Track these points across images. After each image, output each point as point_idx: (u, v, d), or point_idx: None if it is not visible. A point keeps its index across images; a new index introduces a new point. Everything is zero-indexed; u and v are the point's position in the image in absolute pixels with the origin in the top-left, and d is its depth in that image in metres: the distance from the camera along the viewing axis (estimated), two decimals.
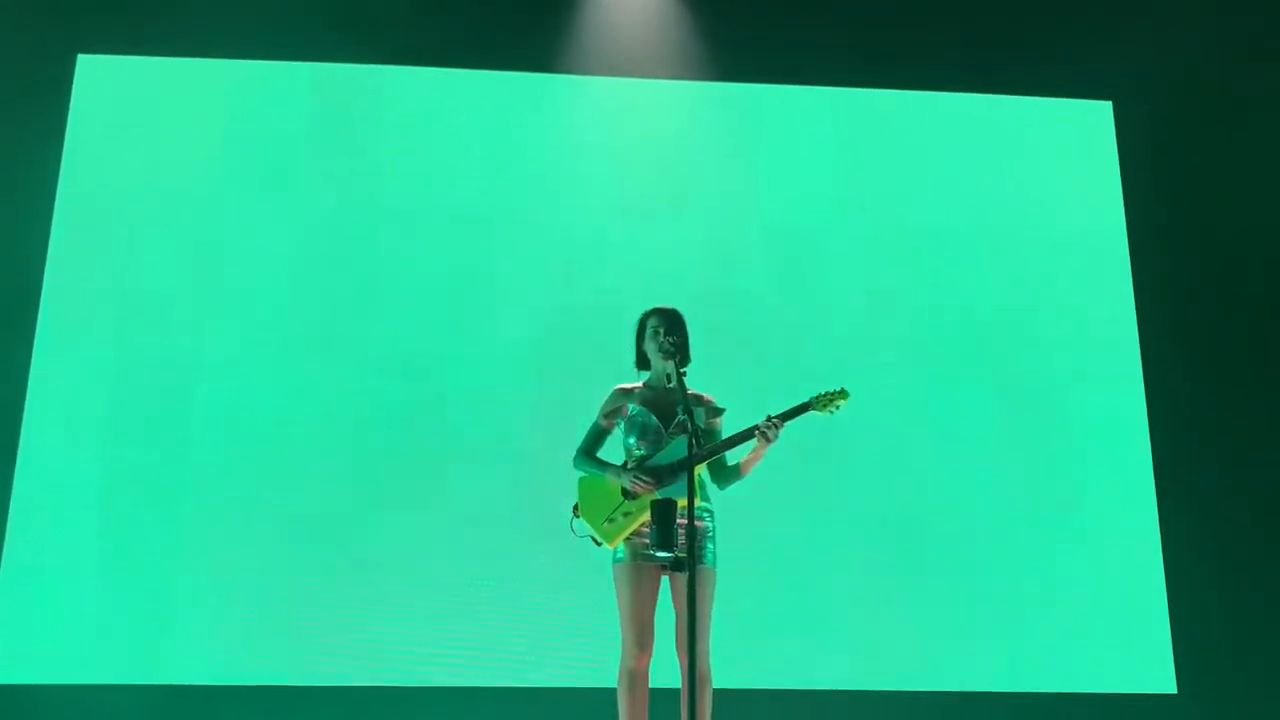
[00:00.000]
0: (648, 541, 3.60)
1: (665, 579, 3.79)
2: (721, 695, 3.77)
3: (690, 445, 3.48)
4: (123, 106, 5.69)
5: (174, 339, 5.41)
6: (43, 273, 5.43)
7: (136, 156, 5.62)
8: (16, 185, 5.51)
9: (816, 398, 3.79)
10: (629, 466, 3.86)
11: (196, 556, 5.15)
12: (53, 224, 5.48)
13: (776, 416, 3.73)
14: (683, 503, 3.45)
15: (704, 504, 3.81)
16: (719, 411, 3.96)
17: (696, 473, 3.62)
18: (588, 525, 3.80)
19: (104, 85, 5.70)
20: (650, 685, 3.73)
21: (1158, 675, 5.31)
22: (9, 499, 5.17)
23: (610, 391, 3.99)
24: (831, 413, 3.80)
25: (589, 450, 3.96)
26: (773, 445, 3.72)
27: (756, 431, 3.71)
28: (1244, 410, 5.69)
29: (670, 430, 3.83)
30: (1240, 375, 5.74)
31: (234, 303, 5.47)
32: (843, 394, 3.80)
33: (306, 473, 5.27)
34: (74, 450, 5.25)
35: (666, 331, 3.88)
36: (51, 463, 5.23)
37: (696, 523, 3.63)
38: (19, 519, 5.16)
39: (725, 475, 3.91)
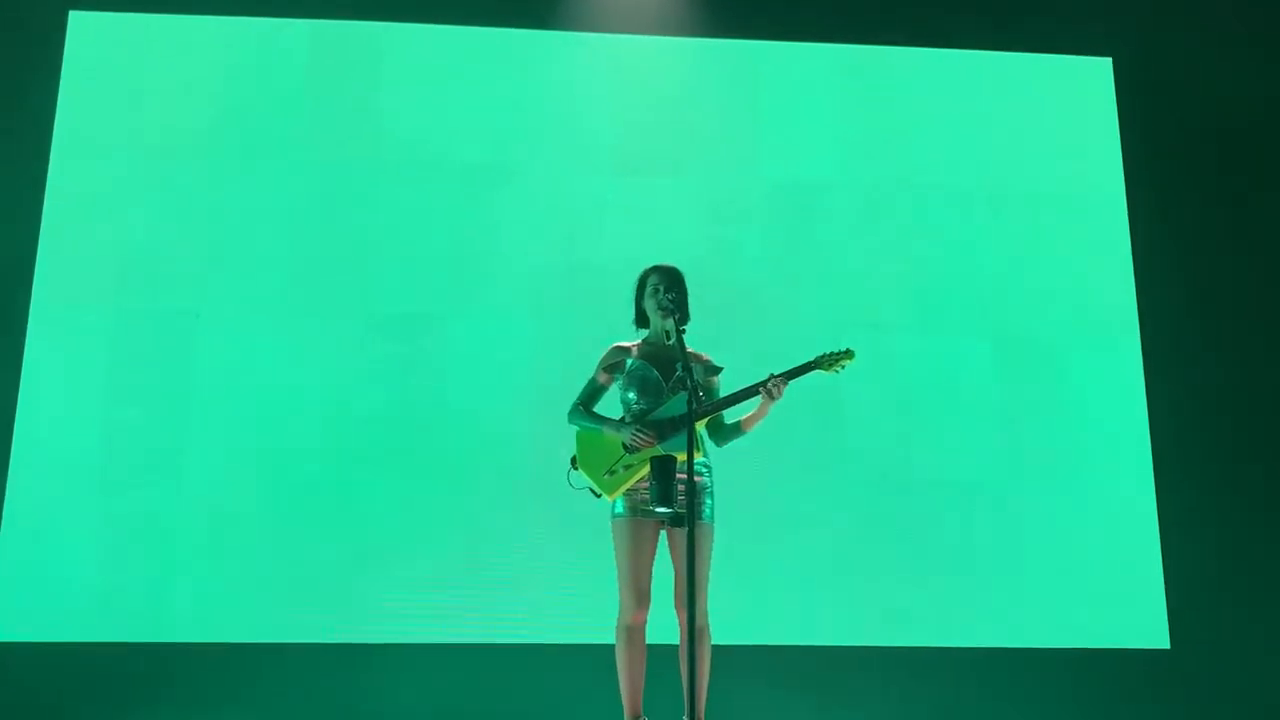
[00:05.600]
0: (647, 497, 3.60)
1: (663, 535, 3.81)
2: (720, 651, 3.80)
3: (690, 401, 3.48)
4: (116, 64, 5.62)
5: (171, 299, 5.38)
6: (38, 234, 5.38)
7: (131, 114, 5.56)
8: (9, 144, 5.46)
9: (822, 357, 3.79)
10: (628, 420, 3.86)
11: (197, 515, 5.15)
12: (47, 184, 5.44)
13: (780, 375, 3.73)
14: (682, 458, 3.45)
15: (703, 460, 3.81)
16: (717, 370, 3.96)
17: (696, 429, 3.62)
18: (587, 477, 3.80)
19: (96, 42, 5.63)
20: (648, 641, 3.76)
21: (1151, 630, 5.35)
22: (9, 459, 5.16)
23: (608, 348, 3.99)
24: (836, 372, 3.80)
25: (585, 405, 3.95)
26: (776, 403, 3.73)
27: (761, 389, 3.71)
28: (1241, 370, 5.69)
29: (670, 385, 3.84)
30: (1238, 333, 5.73)
31: (231, 262, 5.43)
32: (848, 354, 3.79)
33: (306, 432, 5.27)
34: (73, 411, 5.23)
35: (666, 288, 3.88)
36: (51, 424, 5.22)
37: (695, 478, 3.64)
38: (19, 479, 5.15)
39: (724, 433, 3.92)
